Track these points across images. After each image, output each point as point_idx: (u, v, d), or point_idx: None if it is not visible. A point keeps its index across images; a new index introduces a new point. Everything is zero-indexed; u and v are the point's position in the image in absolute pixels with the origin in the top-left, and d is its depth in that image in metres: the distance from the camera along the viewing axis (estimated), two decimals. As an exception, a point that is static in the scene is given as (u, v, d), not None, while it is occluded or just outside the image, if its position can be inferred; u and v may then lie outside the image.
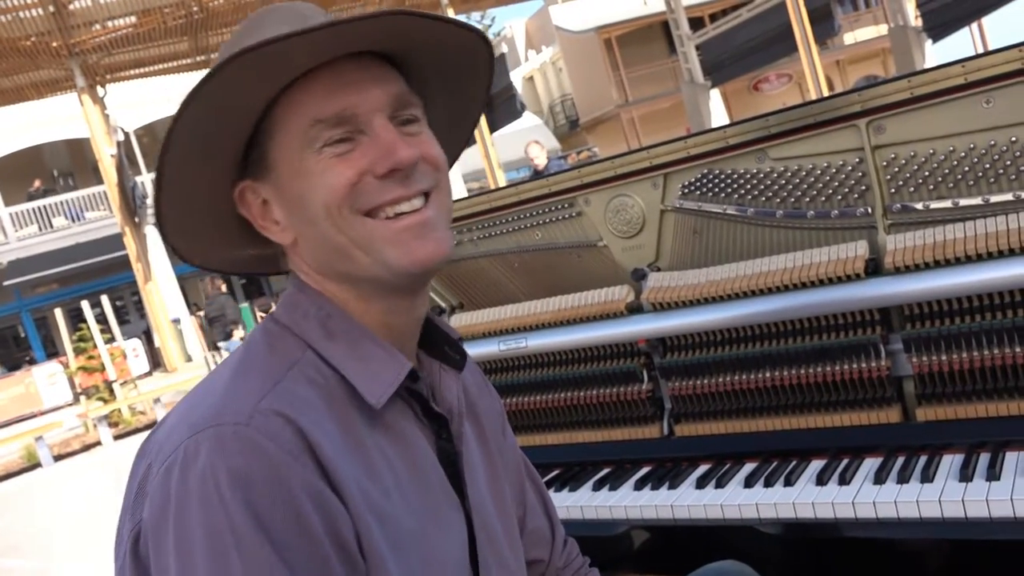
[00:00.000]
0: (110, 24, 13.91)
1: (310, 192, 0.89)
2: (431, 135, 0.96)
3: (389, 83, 0.92)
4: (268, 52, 0.81)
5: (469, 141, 1.17)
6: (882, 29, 23.65)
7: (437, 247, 0.91)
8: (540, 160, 8.94)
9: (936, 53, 15.89)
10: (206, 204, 0.94)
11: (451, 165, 1.09)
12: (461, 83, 1.04)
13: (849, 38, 26.12)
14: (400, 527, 0.87)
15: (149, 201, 15.34)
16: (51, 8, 12.96)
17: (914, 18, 16.04)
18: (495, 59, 1.04)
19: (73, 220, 23.25)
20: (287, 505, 0.77)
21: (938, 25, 15.54)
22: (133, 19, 13.89)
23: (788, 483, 1.59)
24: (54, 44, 13.54)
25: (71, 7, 13.36)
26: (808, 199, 1.76)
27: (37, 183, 23.60)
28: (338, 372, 0.89)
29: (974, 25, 21.42)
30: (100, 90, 15.05)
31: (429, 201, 0.92)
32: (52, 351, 22.71)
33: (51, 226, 22.95)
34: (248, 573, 0.75)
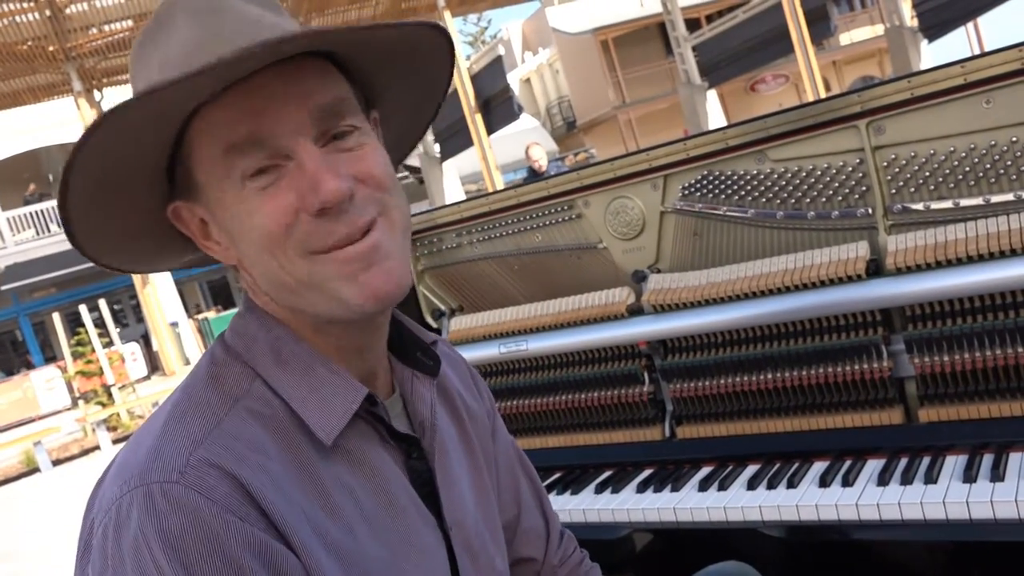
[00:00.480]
0: (106, 28, 13.91)
1: (243, 232, 0.82)
2: (374, 145, 0.86)
3: (316, 92, 0.81)
4: (155, 98, 0.73)
5: (433, 120, 1.04)
6: (878, 29, 23.69)
7: (388, 277, 0.83)
8: (542, 161, 8.93)
9: (932, 53, 15.91)
10: (140, 227, 0.87)
11: (412, 149, 1.02)
12: (418, 69, 0.93)
13: (845, 38, 26.17)
14: (367, 562, 0.82)
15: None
16: (48, 13, 12.96)
17: (910, 18, 16.08)
18: (452, 50, 0.92)
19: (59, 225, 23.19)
20: (224, 564, 0.73)
21: (934, 25, 15.57)
22: (129, 23, 13.89)
23: (791, 485, 1.58)
24: (51, 48, 13.54)
25: (67, 11, 13.36)
26: (808, 200, 1.75)
27: (32, 187, 23.57)
28: (288, 404, 0.84)
29: (970, 25, 21.46)
30: (97, 94, 15.04)
31: (371, 229, 0.82)
32: (50, 356, 22.70)
33: (48, 230, 22.92)
34: None
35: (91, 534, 0.79)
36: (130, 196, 0.83)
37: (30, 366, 21.58)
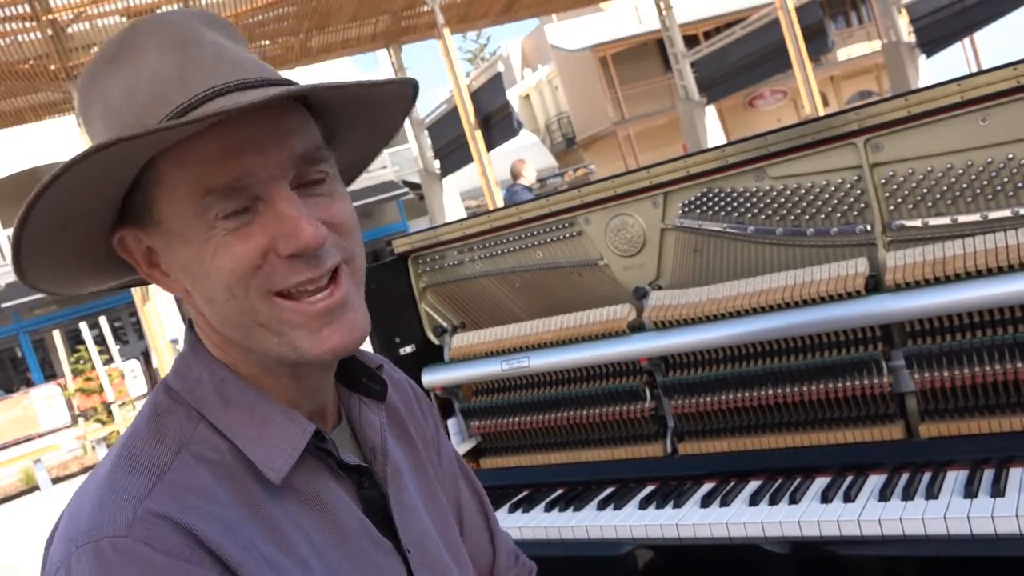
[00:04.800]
0: (108, 47, 13.98)
1: (204, 270, 0.80)
2: (342, 192, 0.87)
3: (295, 137, 0.81)
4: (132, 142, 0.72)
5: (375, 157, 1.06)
6: (875, 45, 23.83)
7: (351, 331, 0.84)
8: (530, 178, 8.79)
9: (930, 68, 16.01)
10: (77, 249, 0.85)
11: (360, 173, 1.03)
12: (379, 115, 0.95)
13: (843, 54, 26.32)
14: None
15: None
16: (49, 32, 13.04)
17: (907, 34, 16.18)
18: (415, 100, 0.94)
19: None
20: None
21: (931, 41, 15.67)
22: (131, 42, 13.95)
23: (793, 501, 1.59)
24: (52, 67, 13.61)
25: (69, 31, 13.44)
26: (808, 217, 1.77)
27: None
28: (235, 445, 0.83)
29: (966, 40, 21.58)
30: (98, 112, 15.09)
31: (339, 276, 0.84)
32: (50, 373, 22.65)
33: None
34: None
35: None
36: (81, 226, 0.82)
37: (30, 384, 21.54)
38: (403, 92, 0.90)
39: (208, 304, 0.83)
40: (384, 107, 0.93)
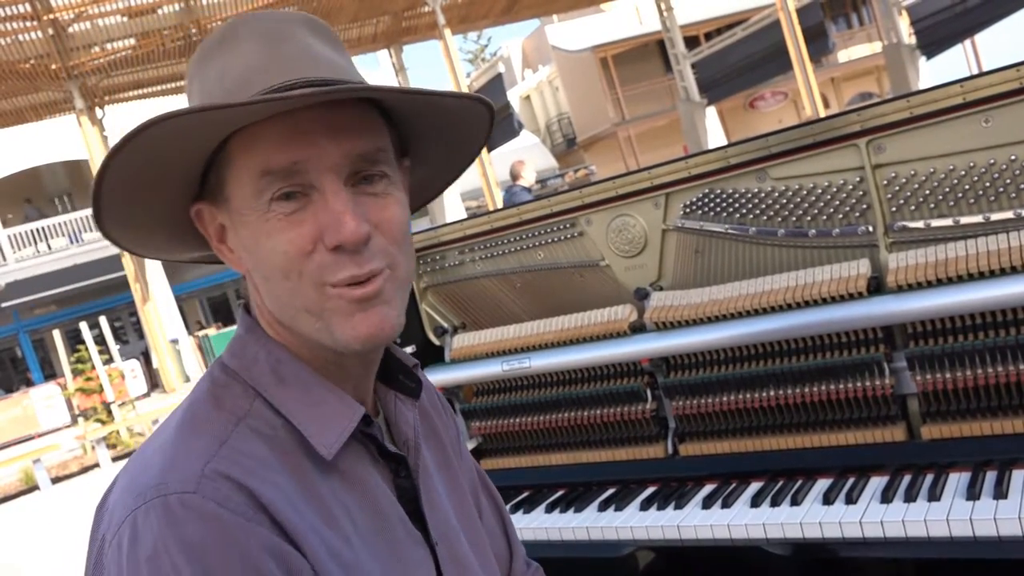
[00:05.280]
0: (109, 47, 14.00)
1: (259, 250, 0.85)
2: (398, 198, 0.90)
3: (354, 136, 0.85)
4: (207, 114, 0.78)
5: (455, 179, 1.10)
6: (876, 46, 23.84)
7: (381, 323, 0.86)
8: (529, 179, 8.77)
9: (930, 70, 16.01)
10: (159, 216, 0.91)
11: (430, 201, 1.08)
12: (457, 132, 0.99)
13: (843, 55, 26.33)
14: (364, 572, 0.85)
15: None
16: (50, 31, 13.05)
17: (908, 35, 16.18)
18: (492, 123, 0.98)
19: (70, 241, 23.26)
20: (247, 568, 0.75)
21: (932, 42, 15.69)
22: (132, 41, 13.98)
23: (795, 502, 1.59)
24: (53, 67, 13.61)
25: (70, 30, 13.45)
26: (809, 218, 1.77)
27: (28, 204, 23.64)
28: (289, 421, 0.87)
29: (967, 42, 21.59)
30: (99, 112, 15.12)
31: (380, 275, 0.86)
32: (50, 373, 22.66)
33: (49, 248, 22.95)
34: None
35: (101, 551, 0.80)
36: (160, 191, 0.87)
37: (30, 383, 21.54)
38: (477, 110, 0.94)
39: (264, 283, 0.88)
40: (460, 125, 0.97)
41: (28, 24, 12.76)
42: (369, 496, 0.90)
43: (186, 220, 0.92)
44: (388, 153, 0.89)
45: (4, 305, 22.16)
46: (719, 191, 1.85)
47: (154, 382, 16.55)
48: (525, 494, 2.05)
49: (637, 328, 1.96)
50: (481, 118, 0.96)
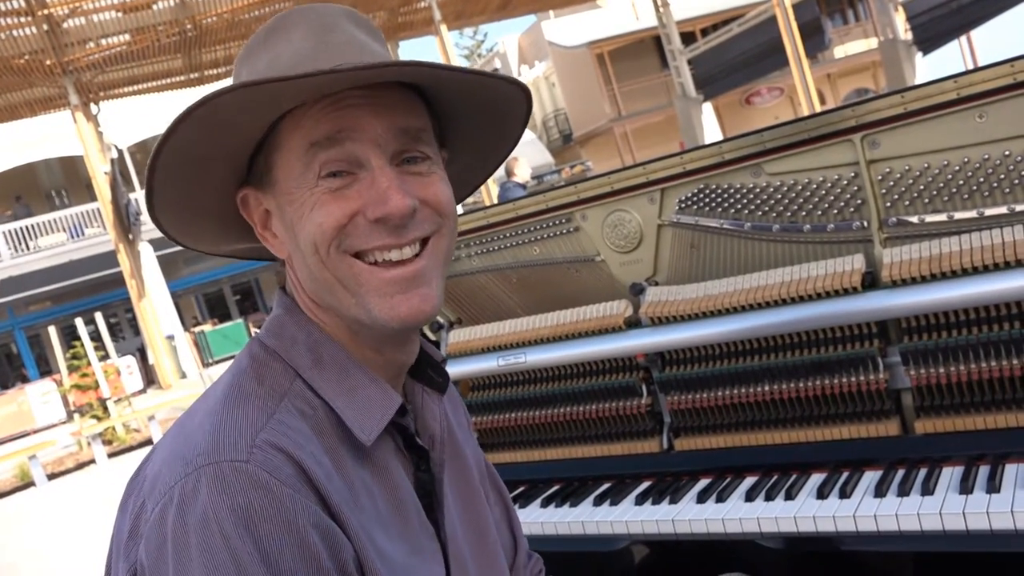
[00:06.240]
0: (104, 42, 13.95)
1: (301, 225, 0.87)
2: (441, 175, 0.92)
3: (398, 115, 0.87)
4: (264, 88, 0.80)
5: (496, 169, 1.12)
6: (872, 42, 23.86)
7: (421, 303, 0.88)
8: (524, 175, 8.75)
9: (926, 66, 16.03)
10: (206, 202, 0.92)
11: (472, 192, 1.09)
12: (495, 118, 1.00)
13: (839, 51, 26.35)
14: (391, 559, 0.86)
15: (143, 218, 15.32)
16: (45, 27, 13.00)
17: (904, 31, 16.20)
18: (530, 108, 1.00)
19: (70, 236, 23.21)
20: (294, 540, 0.75)
21: (928, 38, 15.71)
22: (127, 37, 13.93)
23: (789, 497, 1.59)
24: (48, 62, 13.56)
25: (65, 25, 13.39)
26: (804, 213, 1.77)
27: (17, 202, 23.58)
28: (327, 404, 0.87)
29: (963, 38, 21.62)
30: (94, 108, 15.07)
31: (425, 249, 0.89)
32: (45, 369, 22.62)
33: (38, 247, 22.87)
34: None
35: (139, 518, 0.79)
36: (209, 173, 0.89)
37: (25, 379, 21.51)
38: (514, 94, 0.96)
39: (301, 261, 0.89)
40: (497, 109, 0.98)
41: (23, 19, 12.71)
42: (392, 485, 0.90)
43: (232, 209, 0.94)
44: (430, 134, 0.91)
45: (-1, 301, 22.12)
46: (714, 186, 1.86)
47: (150, 378, 16.52)
48: (521, 489, 2.05)
49: (632, 323, 1.96)
50: (519, 103, 0.98)
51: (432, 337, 2.34)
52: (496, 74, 0.91)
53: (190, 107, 0.80)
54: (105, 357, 11.77)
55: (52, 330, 12.03)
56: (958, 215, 1.60)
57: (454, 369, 2.20)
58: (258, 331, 0.95)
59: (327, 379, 0.88)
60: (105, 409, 11.00)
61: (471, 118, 0.98)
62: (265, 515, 0.75)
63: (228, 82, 0.85)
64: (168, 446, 0.83)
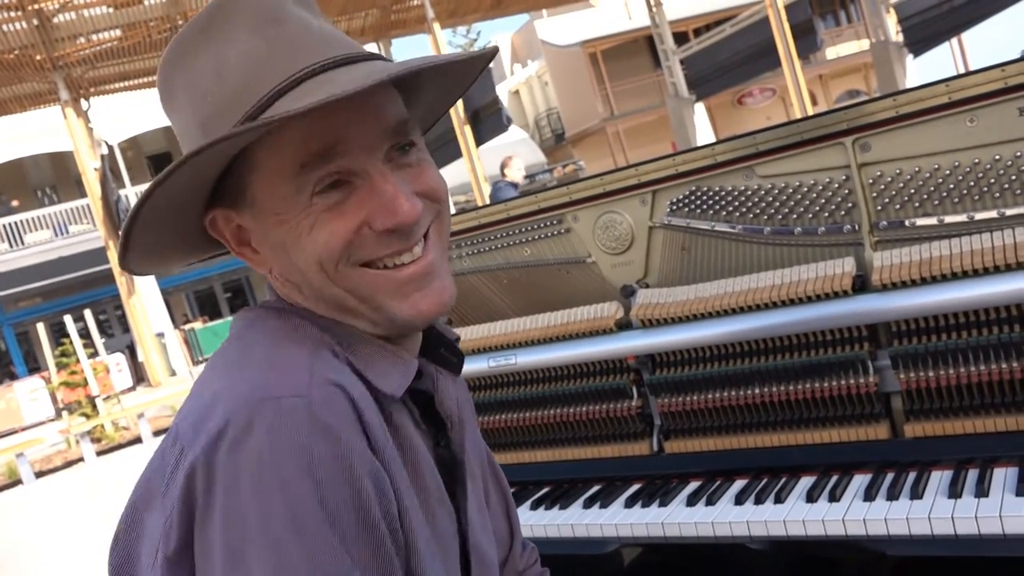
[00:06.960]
0: (94, 37, 13.87)
1: (299, 245, 0.82)
2: (430, 160, 0.89)
3: (383, 115, 0.83)
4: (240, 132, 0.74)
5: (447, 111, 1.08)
6: (864, 44, 23.94)
7: (440, 296, 0.86)
8: (517, 175, 8.76)
9: (918, 67, 16.11)
10: (172, 228, 0.87)
11: (436, 121, 1.06)
12: (454, 80, 0.98)
13: (831, 53, 26.44)
14: (418, 520, 0.83)
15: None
16: (35, 21, 12.91)
17: (895, 33, 16.26)
18: (490, 61, 0.97)
19: (56, 233, 23.08)
20: (351, 488, 0.71)
21: (919, 40, 15.77)
22: (117, 32, 13.85)
23: (778, 500, 1.59)
24: (38, 57, 13.48)
25: (55, 21, 13.31)
26: (795, 216, 1.77)
27: (15, 203, 23.41)
28: (351, 363, 0.82)
29: (954, 40, 21.72)
30: (84, 103, 14.98)
31: (428, 240, 0.86)
32: (34, 366, 22.49)
33: (24, 242, 22.73)
34: (309, 561, 0.68)
35: (177, 465, 0.74)
36: (178, 212, 0.84)
37: (13, 377, 21.38)
38: (482, 61, 0.92)
39: (302, 278, 0.85)
40: (459, 75, 0.96)
41: (12, 14, 12.63)
42: (414, 456, 0.87)
43: (197, 228, 0.88)
44: (413, 122, 0.88)
45: (-12, 298, 21.98)
46: (706, 188, 1.86)
47: (139, 376, 16.45)
48: (511, 491, 2.04)
49: (623, 325, 1.95)
50: (481, 62, 0.94)
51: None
52: (463, 55, 0.87)
53: (155, 182, 0.76)
54: (94, 354, 11.72)
55: (41, 327, 11.97)
56: (948, 219, 1.60)
57: (444, 370, 2.19)
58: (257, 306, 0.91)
59: (347, 346, 0.84)
60: (94, 407, 10.95)
61: (430, 84, 0.95)
62: (325, 459, 0.70)
63: None
64: (209, 390, 0.77)
